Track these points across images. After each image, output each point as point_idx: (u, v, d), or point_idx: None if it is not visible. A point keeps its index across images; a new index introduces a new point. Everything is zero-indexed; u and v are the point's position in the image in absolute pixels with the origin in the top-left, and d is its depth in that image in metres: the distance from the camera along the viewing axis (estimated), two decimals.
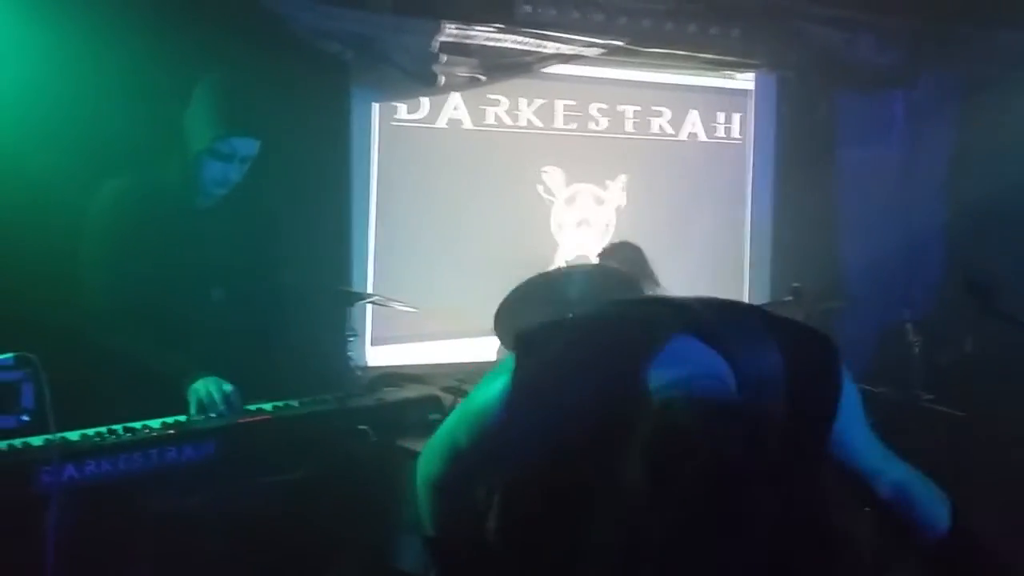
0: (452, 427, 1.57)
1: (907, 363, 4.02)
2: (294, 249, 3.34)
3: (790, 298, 3.91)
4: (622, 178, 4.85)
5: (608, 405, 1.33)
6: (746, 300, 4.69)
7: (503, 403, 1.45)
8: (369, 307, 3.98)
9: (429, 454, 1.60)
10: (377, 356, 4.22)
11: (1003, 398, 4.25)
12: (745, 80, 5.14)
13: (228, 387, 2.66)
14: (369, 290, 4.09)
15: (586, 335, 1.48)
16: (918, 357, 4.02)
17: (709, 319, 1.43)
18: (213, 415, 2.59)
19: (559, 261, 4.67)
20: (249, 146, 2.88)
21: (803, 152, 5.06)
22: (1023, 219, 4.53)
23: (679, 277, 4.70)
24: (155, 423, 2.48)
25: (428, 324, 4.21)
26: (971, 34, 4.89)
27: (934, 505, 1.56)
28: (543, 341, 1.48)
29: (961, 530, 1.54)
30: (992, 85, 4.84)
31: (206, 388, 2.62)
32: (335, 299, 3.59)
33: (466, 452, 1.53)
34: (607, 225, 4.83)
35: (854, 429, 1.51)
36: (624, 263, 3.94)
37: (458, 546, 1.55)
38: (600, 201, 4.82)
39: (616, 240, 4.41)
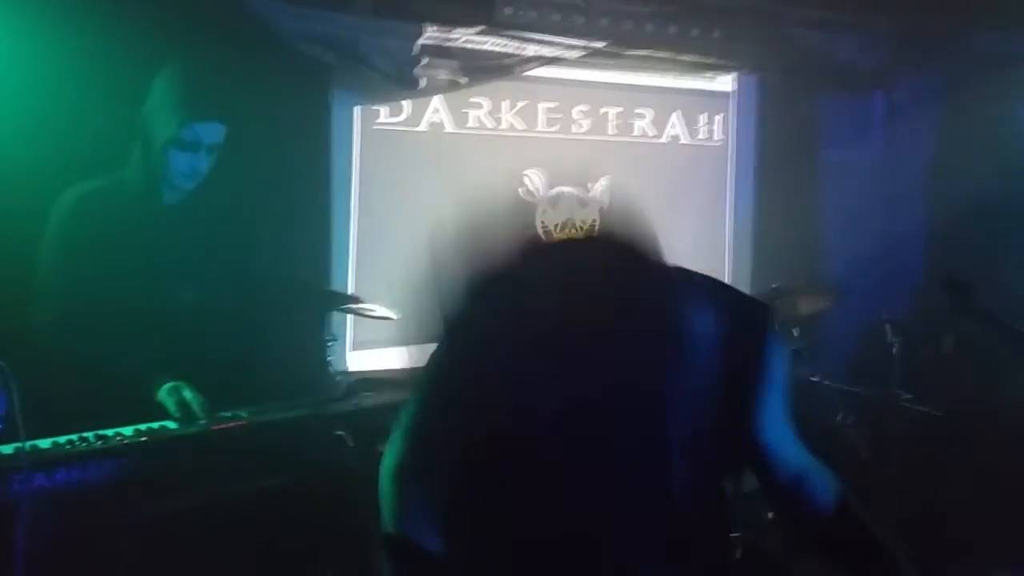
0: (405, 411, 1.60)
1: (886, 362, 4.05)
2: (273, 252, 3.33)
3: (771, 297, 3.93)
4: (605, 180, 4.85)
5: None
6: None
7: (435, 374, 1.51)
8: None
9: (389, 445, 1.61)
10: (358, 360, 4.21)
11: (981, 397, 4.28)
12: (726, 82, 5.15)
13: (197, 394, 2.64)
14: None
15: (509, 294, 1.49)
16: (897, 357, 4.05)
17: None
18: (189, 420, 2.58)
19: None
20: (214, 132, 2.83)
21: (784, 153, 5.07)
22: (1001, 219, 4.55)
23: None
24: (128, 430, 2.47)
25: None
26: (950, 36, 4.91)
27: (826, 493, 1.55)
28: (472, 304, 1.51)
29: (845, 510, 1.55)
30: (971, 86, 4.86)
31: (176, 393, 2.61)
32: (314, 302, 3.59)
33: (418, 430, 1.55)
34: (591, 226, 4.83)
35: (772, 403, 1.50)
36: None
37: (416, 542, 1.53)
38: (584, 203, 4.83)
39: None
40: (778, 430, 1.52)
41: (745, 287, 5.06)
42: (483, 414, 1.43)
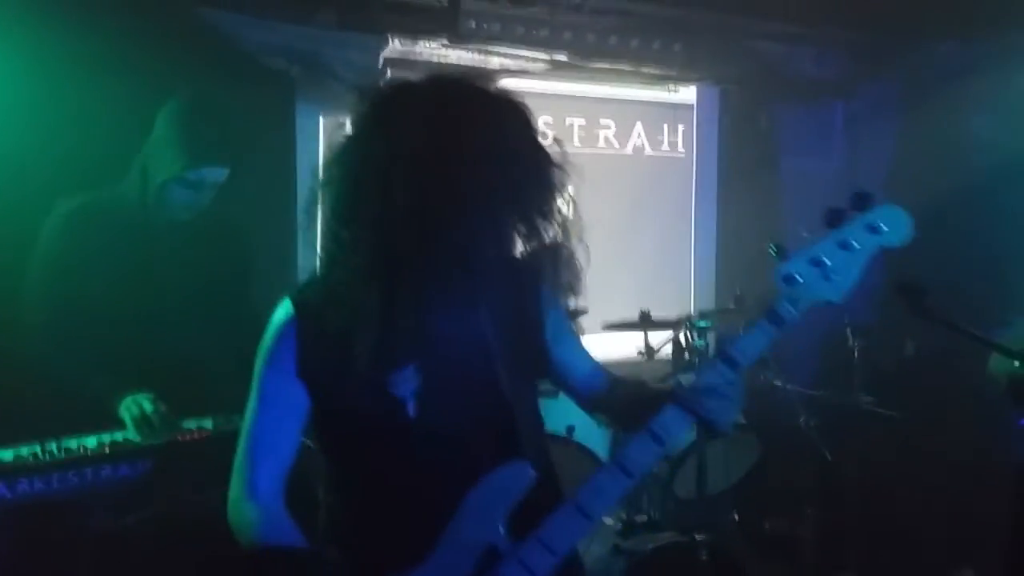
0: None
1: (848, 367, 4.11)
2: (238, 264, 3.33)
3: (732, 306, 3.99)
4: (569, 190, 4.88)
5: None
6: (692, 308, 4.76)
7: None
8: None
9: (233, 477, 1.73)
10: None
11: (942, 401, 4.35)
12: (688, 94, 5.22)
13: (160, 405, 2.64)
14: None
15: None
16: (859, 361, 4.12)
17: None
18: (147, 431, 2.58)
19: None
20: (219, 174, 2.91)
21: (746, 163, 5.15)
22: (959, 226, 4.64)
23: (626, 287, 4.76)
24: (91, 441, 2.46)
25: None
26: (908, 46, 5.01)
27: (603, 378, 1.92)
28: None
29: (614, 383, 1.92)
30: (928, 96, 4.96)
31: (138, 404, 2.61)
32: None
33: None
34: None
35: (559, 328, 1.83)
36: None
37: (282, 538, 1.64)
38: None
39: None
40: (565, 342, 1.86)
41: (710, 294, 5.14)
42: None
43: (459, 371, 1.68)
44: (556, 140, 1.71)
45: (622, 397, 1.87)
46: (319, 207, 1.67)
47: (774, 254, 1.67)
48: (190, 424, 2.67)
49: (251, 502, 1.66)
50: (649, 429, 1.64)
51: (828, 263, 1.64)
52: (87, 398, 2.64)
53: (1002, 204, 4.54)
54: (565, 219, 1.70)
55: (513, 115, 1.65)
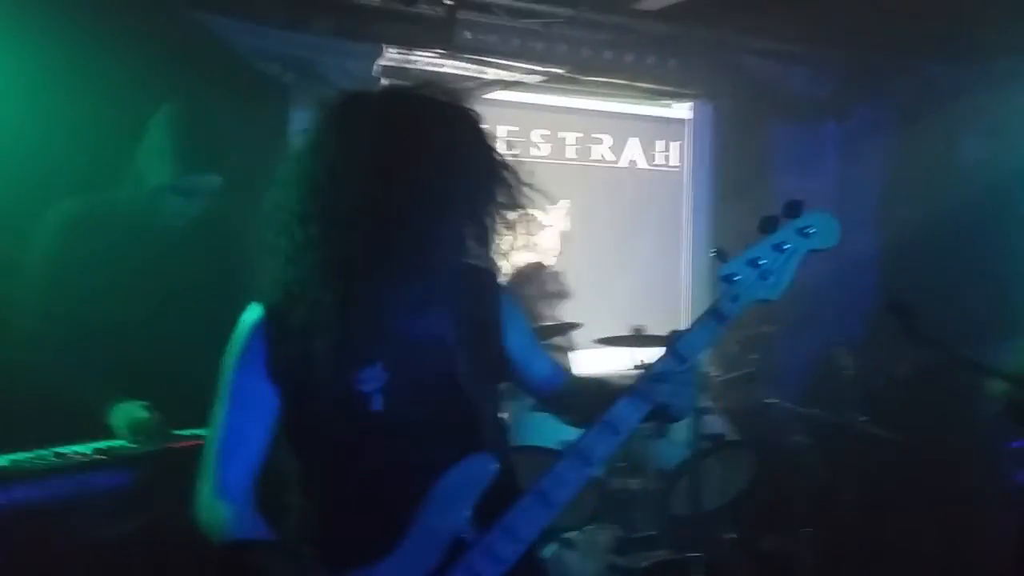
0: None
1: (841, 386, 4.11)
2: (233, 272, 3.29)
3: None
4: (564, 203, 4.89)
5: None
6: (684, 323, 4.74)
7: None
8: None
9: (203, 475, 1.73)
10: None
11: (935, 421, 4.35)
12: (683, 109, 5.24)
13: (153, 413, 2.60)
14: None
15: None
16: (852, 380, 4.12)
17: None
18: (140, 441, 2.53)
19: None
20: (212, 182, 2.88)
21: (739, 179, 5.15)
22: (951, 247, 4.66)
23: (620, 299, 4.76)
24: (86, 448, 2.43)
25: None
26: (902, 68, 5.05)
27: (561, 376, 2.00)
28: None
29: (571, 380, 2.02)
30: (921, 117, 4.99)
31: (131, 412, 2.57)
32: None
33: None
34: (550, 249, 4.86)
35: (516, 329, 1.88)
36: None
37: (253, 533, 1.66)
38: (542, 226, 4.85)
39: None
40: (524, 346, 1.91)
41: (702, 308, 5.12)
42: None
43: (423, 369, 1.74)
44: (513, 150, 1.76)
45: (582, 394, 1.95)
46: (276, 208, 1.70)
47: (715, 257, 1.83)
48: (183, 433, 2.62)
49: (222, 500, 1.69)
50: (604, 419, 1.72)
51: (764, 264, 1.79)
52: (81, 405, 2.60)
53: (993, 225, 4.57)
54: (518, 225, 1.75)
55: (463, 122, 1.71)
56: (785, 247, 1.79)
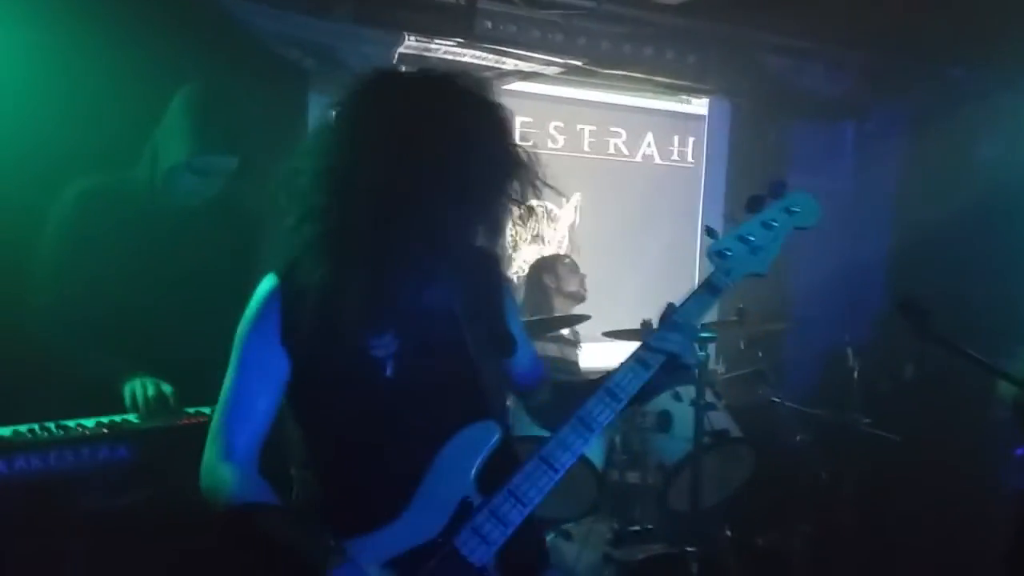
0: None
1: (846, 386, 4.11)
2: (246, 254, 3.33)
3: (735, 318, 3.98)
4: (576, 196, 4.90)
5: None
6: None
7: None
8: None
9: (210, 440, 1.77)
10: None
11: (939, 424, 4.35)
12: (700, 105, 5.23)
13: (167, 388, 2.65)
14: None
15: None
16: (857, 381, 4.11)
17: None
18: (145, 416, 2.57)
19: (511, 276, 4.72)
20: (227, 162, 2.90)
21: (754, 177, 5.14)
22: (963, 249, 4.65)
23: (630, 295, 4.77)
24: (89, 421, 2.46)
25: None
26: (921, 70, 5.02)
27: (541, 373, 2.07)
28: None
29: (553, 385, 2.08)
30: (939, 120, 4.96)
31: (141, 387, 2.61)
32: None
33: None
34: (560, 242, 4.88)
35: (514, 320, 1.97)
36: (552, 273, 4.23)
37: (259, 497, 1.69)
38: (554, 218, 4.87)
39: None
40: (516, 334, 1.95)
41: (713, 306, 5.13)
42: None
43: (432, 338, 1.79)
44: (528, 141, 1.81)
45: (557, 395, 2.03)
46: (295, 176, 1.73)
47: (707, 235, 1.95)
48: (190, 409, 2.67)
49: (228, 464, 1.72)
50: (606, 386, 1.79)
51: (753, 240, 1.90)
52: (91, 379, 2.64)
53: (1010, 229, 4.55)
54: (529, 217, 1.84)
55: (489, 114, 1.75)
56: (773, 224, 1.91)
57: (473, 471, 1.72)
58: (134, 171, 2.94)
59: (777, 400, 4.23)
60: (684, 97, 5.16)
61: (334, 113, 1.74)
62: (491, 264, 1.89)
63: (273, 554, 1.67)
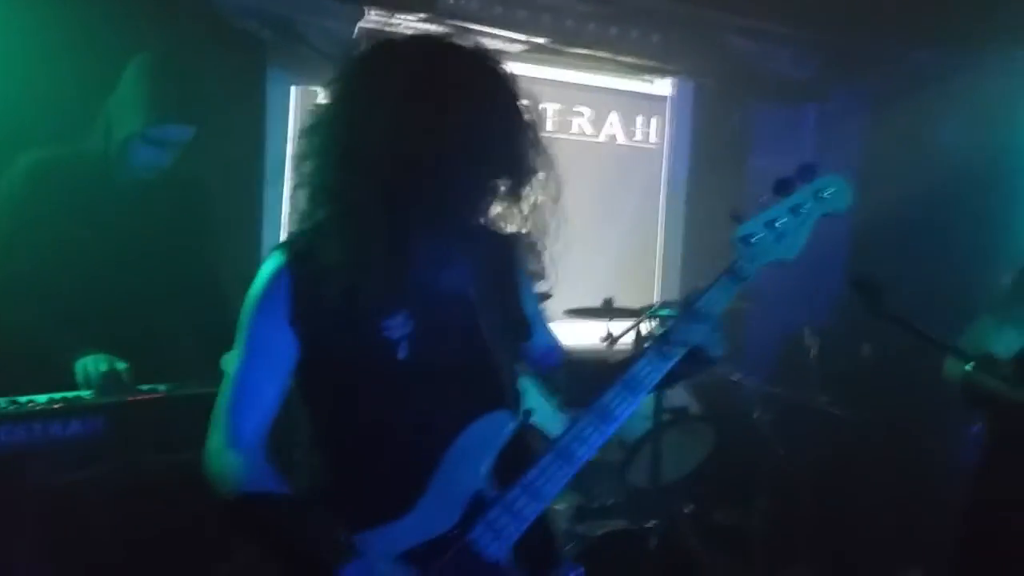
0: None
1: (805, 365, 4.15)
2: (201, 228, 3.28)
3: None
4: (540, 175, 4.87)
5: None
6: (656, 299, 4.78)
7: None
8: None
9: (211, 429, 1.70)
10: None
11: (896, 403, 4.41)
12: (664, 86, 5.23)
13: (121, 364, 2.62)
14: None
15: None
16: (815, 360, 4.16)
17: None
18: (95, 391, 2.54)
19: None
20: (183, 132, 2.86)
21: (716, 158, 5.17)
22: (923, 229, 4.71)
23: (593, 272, 4.77)
24: (41, 397, 2.42)
25: None
26: (882, 52, 5.06)
27: (558, 352, 2.03)
28: None
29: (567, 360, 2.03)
30: (899, 102, 5.01)
31: (94, 364, 2.57)
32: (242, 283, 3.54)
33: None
34: (523, 220, 4.86)
35: (530, 301, 1.94)
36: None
37: (264, 486, 1.63)
38: (517, 197, 4.85)
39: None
40: (532, 315, 1.95)
41: (675, 285, 5.16)
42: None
43: (447, 321, 1.74)
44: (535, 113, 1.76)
45: (578, 374, 1.98)
46: (304, 154, 1.69)
47: (733, 219, 1.84)
48: (144, 387, 2.63)
49: (233, 450, 1.65)
50: (624, 379, 1.73)
51: (780, 225, 1.81)
52: (42, 355, 2.60)
53: (967, 209, 4.62)
54: (544, 187, 1.80)
55: (498, 75, 1.71)
56: (802, 210, 1.82)
57: (487, 464, 1.66)
58: (87, 142, 2.88)
59: (737, 378, 4.27)
60: (648, 78, 5.16)
61: (338, 85, 1.68)
62: (507, 247, 1.83)
63: (280, 546, 1.61)
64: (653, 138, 5.23)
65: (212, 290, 3.12)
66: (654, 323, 3.85)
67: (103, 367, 2.60)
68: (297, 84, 4.21)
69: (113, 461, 2.39)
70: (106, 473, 2.36)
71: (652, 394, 3.39)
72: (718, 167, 5.14)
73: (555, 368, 2.00)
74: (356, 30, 4.14)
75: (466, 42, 1.71)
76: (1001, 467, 2.65)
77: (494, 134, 1.66)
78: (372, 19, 4.17)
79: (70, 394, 2.50)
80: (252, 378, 1.69)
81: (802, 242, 1.83)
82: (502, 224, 1.77)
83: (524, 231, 1.81)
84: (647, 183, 5.24)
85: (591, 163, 5.01)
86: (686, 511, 3.81)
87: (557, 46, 4.64)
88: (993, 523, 2.62)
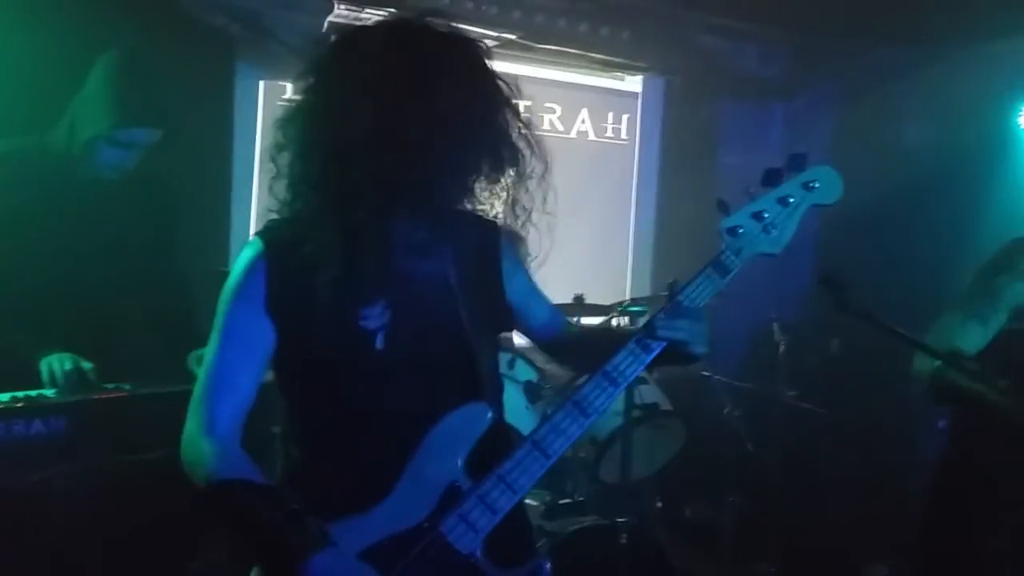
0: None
1: (774, 361, 4.18)
2: (166, 227, 3.24)
3: (666, 292, 4.01)
4: (511, 172, 4.87)
5: None
6: (628, 295, 4.79)
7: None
8: None
9: (188, 416, 1.67)
10: None
11: (864, 398, 4.45)
12: (634, 83, 5.25)
13: (87, 364, 2.58)
14: None
15: None
16: (784, 355, 4.19)
17: None
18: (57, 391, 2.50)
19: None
20: (150, 135, 2.81)
21: (686, 155, 5.19)
22: (891, 226, 4.75)
23: (564, 271, 4.77)
24: (4, 396, 2.38)
25: None
26: (848, 50, 5.10)
27: (560, 323, 2.03)
28: None
29: (569, 329, 2.05)
30: (866, 99, 5.06)
31: (59, 363, 2.53)
32: (210, 282, 3.51)
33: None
34: (495, 217, 4.86)
35: (519, 280, 1.92)
36: None
37: (240, 474, 1.60)
38: (490, 193, 4.85)
39: None
40: (525, 292, 1.94)
41: (645, 281, 5.18)
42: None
43: (425, 311, 1.71)
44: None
45: (581, 342, 2.01)
46: (280, 143, 1.67)
47: (719, 209, 1.78)
48: (108, 385, 2.60)
49: (208, 438, 1.62)
50: (603, 370, 1.71)
51: (768, 217, 1.77)
52: (5, 354, 2.55)
53: (934, 205, 4.66)
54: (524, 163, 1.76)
55: (473, 52, 1.69)
56: (790, 200, 1.78)
57: (462, 455, 1.65)
58: (48, 138, 2.83)
59: (706, 374, 4.29)
60: (618, 74, 5.17)
61: (311, 73, 1.66)
62: (486, 229, 1.80)
63: (253, 534, 1.58)
64: (624, 134, 5.25)
65: (179, 287, 3.09)
66: (625, 319, 3.87)
67: (68, 366, 2.56)
68: (266, 79, 4.18)
69: (77, 461, 2.35)
70: (70, 473, 2.32)
71: (623, 391, 3.43)
72: (688, 163, 5.17)
73: (557, 337, 2.00)
74: (325, 24, 4.11)
75: (440, 24, 1.68)
76: (965, 462, 2.68)
77: (474, 115, 1.62)
78: (341, 13, 4.15)
79: (33, 393, 2.46)
80: (228, 366, 1.66)
81: (790, 234, 1.79)
82: (485, 209, 1.73)
83: (507, 215, 1.78)
84: (618, 179, 5.25)
85: (562, 159, 4.88)
86: (657, 506, 3.82)
87: (528, 42, 4.65)
88: (957, 517, 2.65)
